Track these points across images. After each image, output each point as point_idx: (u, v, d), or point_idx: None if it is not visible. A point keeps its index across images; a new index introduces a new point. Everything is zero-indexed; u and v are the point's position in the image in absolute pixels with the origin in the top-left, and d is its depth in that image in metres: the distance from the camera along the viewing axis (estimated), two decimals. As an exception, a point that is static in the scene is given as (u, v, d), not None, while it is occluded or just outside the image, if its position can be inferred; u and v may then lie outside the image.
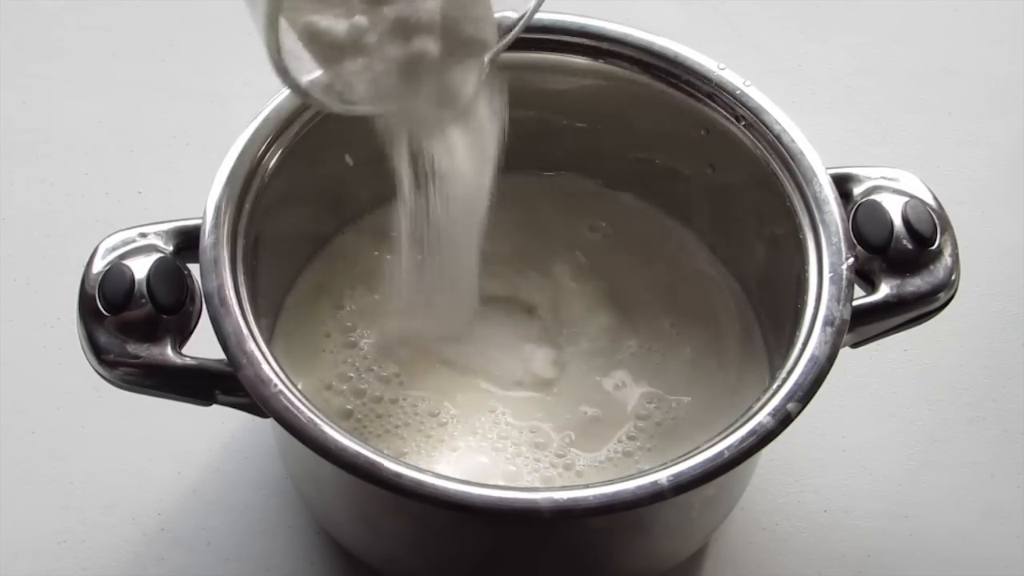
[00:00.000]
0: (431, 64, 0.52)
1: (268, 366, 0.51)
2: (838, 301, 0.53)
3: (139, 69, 0.79)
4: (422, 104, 0.53)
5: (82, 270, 0.54)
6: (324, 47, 0.51)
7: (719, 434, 0.51)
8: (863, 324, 0.55)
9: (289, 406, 0.50)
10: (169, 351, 0.53)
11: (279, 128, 0.57)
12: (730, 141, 0.59)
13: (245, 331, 0.52)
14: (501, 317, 0.61)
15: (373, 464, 0.49)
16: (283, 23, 0.49)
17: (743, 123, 0.59)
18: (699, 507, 0.57)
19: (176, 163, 0.75)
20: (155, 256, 0.54)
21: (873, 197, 0.57)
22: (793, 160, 0.57)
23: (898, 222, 0.56)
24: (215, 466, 0.65)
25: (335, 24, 0.50)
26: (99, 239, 0.55)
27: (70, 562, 0.62)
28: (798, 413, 0.51)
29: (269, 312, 0.60)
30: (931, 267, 0.55)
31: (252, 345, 0.51)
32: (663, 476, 0.49)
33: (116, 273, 0.53)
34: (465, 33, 0.52)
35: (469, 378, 0.61)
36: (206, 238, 0.54)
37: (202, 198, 0.55)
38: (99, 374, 0.54)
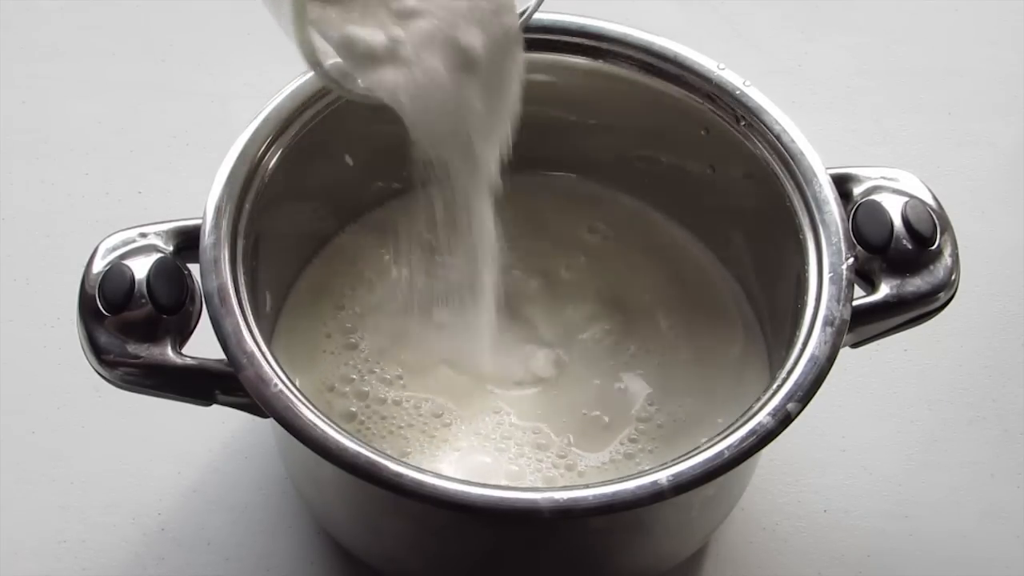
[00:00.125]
0: (478, 58, 0.52)
1: (268, 366, 0.51)
2: (838, 301, 0.53)
3: (139, 69, 0.79)
4: (474, 100, 0.53)
5: (82, 270, 0.54)
6: (361, 58, 0.51)
7: (719, 434, 0.51)
8: (863, 324, 0.55)
9: (289, 406, 0.50)
10: (169, 351, 0.53)
11: (279, 128, 0.57)
12: (730, 141, 0.59)
13: (245, 331, 0.52)
14: (502, 318, 0.61)
15: (373, 464, 0.49)
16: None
17: (743, 123, 0.59)
18: (699, 507, 0.57)
19: (176, 163, 0.75)
20: (155, 256, 0.54)
21: (873, 197, 0.57)
22: (793, 160, 0.57)
23: (898, 222, 0.56)
24: (215, 466, 0.65)
25: (372, 35, 0.51)
26: (99, 239, 0.55)
27: (70, 562, 0.62)
28: (798, 413, 0.51)
29: (269, 312, 0.60)
30: (931, 267, 0.55)
31: (252, 345, 0.51)
32: (663, 476, 0.49)
33: (116, 273, 0.53)
34: (495, 24, 0.52)
35: (471, 379, 0.61)
36: (206, 238, 0.54)
37: (202, 198, 0.55)
38: (99, 374, 0.54)
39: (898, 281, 0.55)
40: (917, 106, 0.80)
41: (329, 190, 0.63)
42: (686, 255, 0.65)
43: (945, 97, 0.80)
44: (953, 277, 0.56)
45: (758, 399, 0.52)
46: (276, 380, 0.51)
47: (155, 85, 0.79)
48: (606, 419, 0.60)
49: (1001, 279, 0.73)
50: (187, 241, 0.55)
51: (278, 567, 0.62)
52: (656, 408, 0.60)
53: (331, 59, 0.51)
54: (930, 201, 0.57)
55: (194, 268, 0.54)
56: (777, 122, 0.58)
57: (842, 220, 0.55)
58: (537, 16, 0.55)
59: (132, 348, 0.53)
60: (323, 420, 0.50)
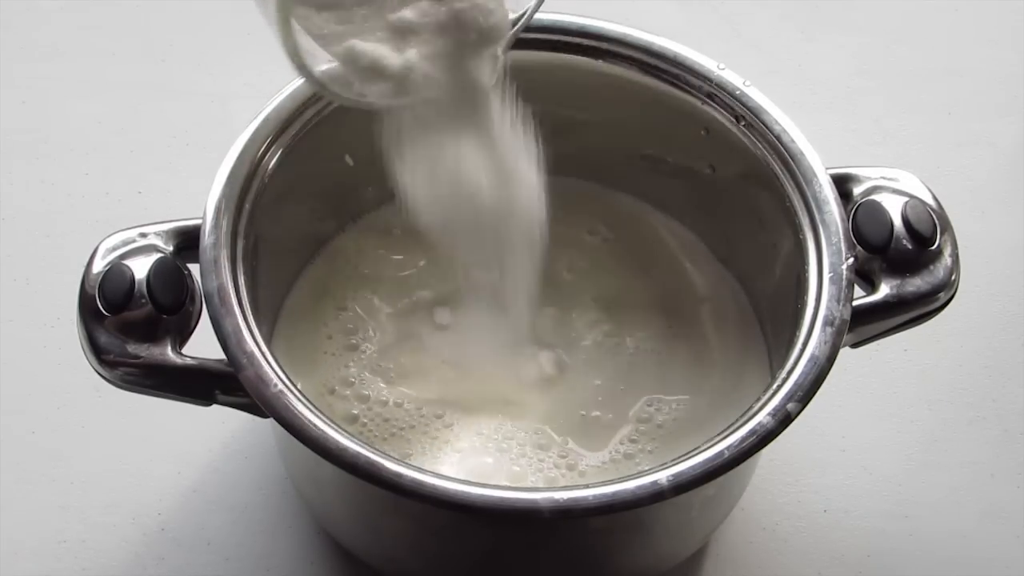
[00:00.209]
0: (465, 49, 0.52)
1: (268, 366, 0.51)
2: (838, 301, 0.53)
3: (139, 69, 0.79)
4: (444, 96, 0.53)
5: (82, 270, 0.54)
6: (363, 71, 0.51)
7: (719, 434, 0.51)
8: (863, 324, 0.55)
9: (290, 406, 0.50)
10: (169, 351, 0.53)
11: (279, 128, 0.57)
12: (730, 141, 0.59)
13: (245, 331, 0.52)
14: (502, 319, 0.61)
15: (373, 464, 0.49)
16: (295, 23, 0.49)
17: (743, 123, 0.59)
18: (699, 507, 0.57)
19: (176, 163, 0.75)
20: (155, 256, 0.54)
21: (873, 197, 0.57)
22: (793, 160, 0.57)
23: (898, 222, 0.56)
24: (215, 466, 0.65)
25: (375, 49, 0.51)
26: (99, 239, 0.55)
27: (70, 562, 0.62)
28: (798, 413, 0.51)
29: (269, 312, 0.60)
30: (931, 267, 0.55)
31: (252, 345, 0.51)
32: (663, 476, 0.49)
33: (116, 273, 0.53)
34: (478, 23, 0.52)
35: (472, 380, 0.60)
36: (206, 238, 0.54)
37: (202, 198, 0.55)
38: (99, 374, 0.54)
39: (898, 281, 0.55)
40: (917, 106, 0.80)
41: (329, 190, 0.63)
42: (686, 255, 0.65)
43: (945, 97, 0.80)
44: (953, 277, 0.56)
45: (758, 399, 0.52)
46: (276, 380, 0.51)
47: (155, 85, 0.79)
48: (606, 419, 0.60)
49: (1001, 279, 0.73)
50: (187, 241, 0.55)
51: (278, 567, 0.62)
52: (656, 408, 0.60)
53: (319, 60, 0.51)
54: (930, 201, 0.57)
55: (194, 268, 0.54)
56: (777, 122, 0.58)
57: (842, 220, 0.55)
58: (537, 16, 0.55)
59: (132, 348, 0.53)
60: (323, 420, 0.50)
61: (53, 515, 0.63)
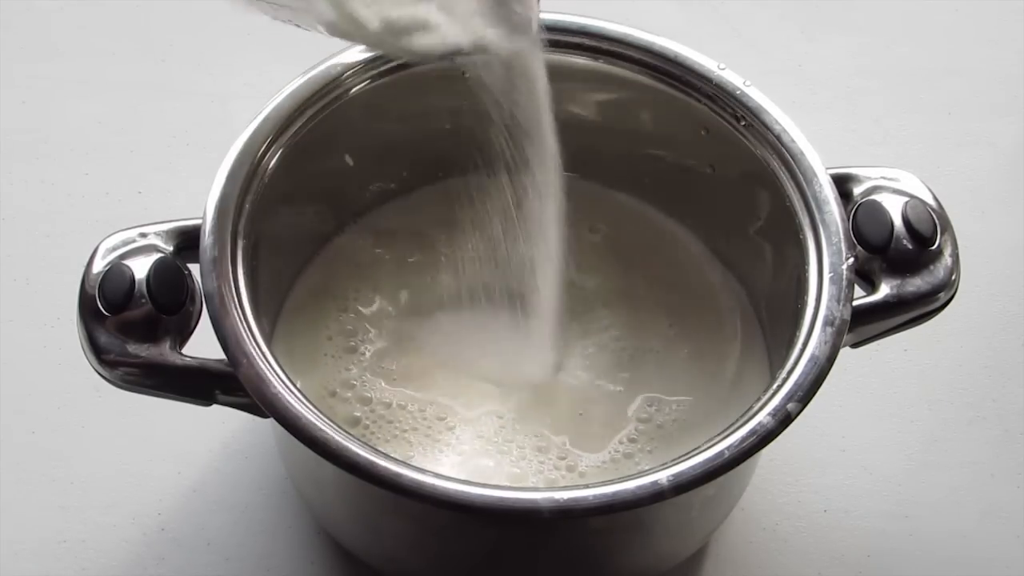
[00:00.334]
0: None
1: (268, 366, 0.51)
2: (838, 301, 0.53)
3: (139, 69, 0.79)
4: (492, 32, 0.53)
5: (82, 270, 0.54)
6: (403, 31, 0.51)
7: (719, 434, 0.51)
8: (863, 324, 0.55)
9: (289, 406, 0.50)
10: (169, 351, 0.53)
11: (279, 128, 0.57)
12: (730, 141, 0.59)
13: (245, 331, 0.52)
14: (502, 319, 0.61)
15: (373, 464, 0.49)
16: None
17: (743, 123, 0.59)
18: (699, 507, 0.57)
19: (176, 163, 0.75)
20: (155, 256, 0.54)
21: (873, 197, 0.56)
22: (793, 160, 0.57)
23: (898, 222, 0.56)
24: (215, 466, 0.65)
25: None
26: (99, 239, 0.55)
27: (70, 562, 0.62)
28: (798, 413, 0.51)
29: (269, 312, 0.60)
30: (931, 267, 0.55)
31: (252, 345, 0.51)
32: (663, 476, 0.49)
33: (116, 273, 0.53)
34: None
35: (472, 381, 0.60)
36: (206, 238, 0.54)
37: (202, 198, 0.55)
38: (99, 374, 0.54)
39: (898, 281, 0.55)
40: (917, 106, 0.80)
41: (329, 190, 0.63)
42: (686, 255, 0.65)
43: (945, 97, 0.80)
44: (953, 277, 0.56)
45: (758, 399, 0.52)
46: (276, 380, 0.51)
47: (155, 85, 0.79)
48: (606, 419, 0.60)
49: (1001, 279, 0.73)
50: (187, 241, 0.55)
51: (278, 567, 0.62)
52: (656, 408, 0.60)
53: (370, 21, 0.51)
54: (930, 201, 0.57)
55: (194, 268, 0.54)
56: (777, 122, 0.58)
57: (842, 220, 0.55)
58: (537, 16, 0.55)
59: (132, 348, 0.53)
60: (323, 420, 0.50)
61: (53, 515, 0.63)
